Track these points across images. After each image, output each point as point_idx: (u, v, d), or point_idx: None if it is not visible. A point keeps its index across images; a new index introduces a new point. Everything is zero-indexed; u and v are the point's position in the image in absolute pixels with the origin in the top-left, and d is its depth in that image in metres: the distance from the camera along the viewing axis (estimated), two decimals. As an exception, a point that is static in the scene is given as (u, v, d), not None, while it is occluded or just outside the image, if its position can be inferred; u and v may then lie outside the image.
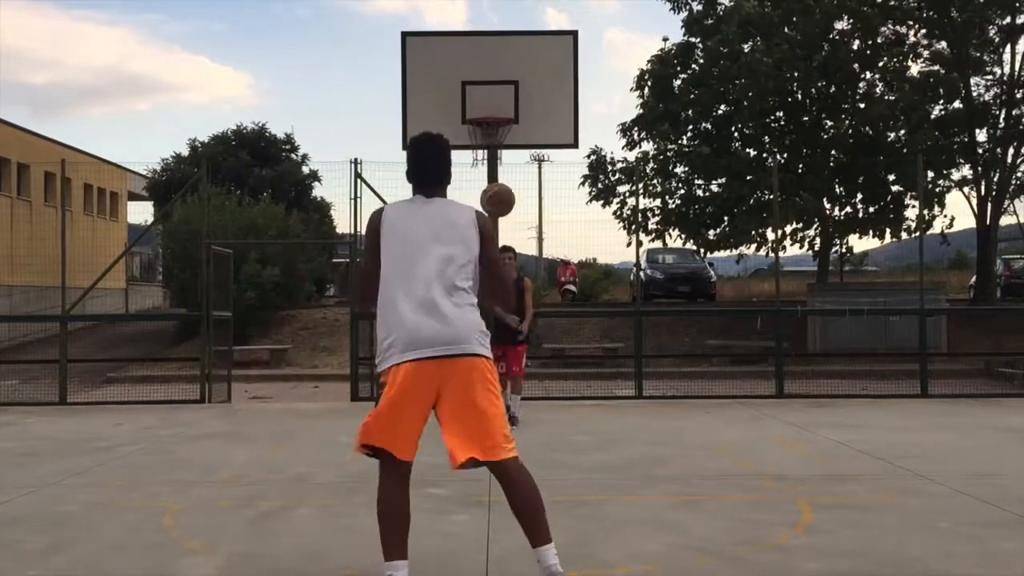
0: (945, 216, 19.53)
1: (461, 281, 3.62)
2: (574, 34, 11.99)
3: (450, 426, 3.57)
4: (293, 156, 29.32)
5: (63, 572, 4.13)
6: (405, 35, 11.82)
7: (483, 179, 11.66)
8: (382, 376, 3.64)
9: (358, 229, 12.01)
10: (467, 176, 11.99)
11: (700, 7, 20.03)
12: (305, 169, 29.08)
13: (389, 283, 3.61)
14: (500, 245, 10.48)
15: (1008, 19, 18.38)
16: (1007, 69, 18.90)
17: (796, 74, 18.40)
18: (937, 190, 18.77)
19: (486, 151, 11.52)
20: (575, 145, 11.77)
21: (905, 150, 18.20)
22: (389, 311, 3.59)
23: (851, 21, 18.52)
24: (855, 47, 18.84)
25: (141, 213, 41.37)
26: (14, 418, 10.00)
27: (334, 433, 8.63)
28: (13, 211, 23.20)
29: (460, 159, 12.36)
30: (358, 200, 11.79)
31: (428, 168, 3.80)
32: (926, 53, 19.46)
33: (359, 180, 11.77)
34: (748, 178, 18.31)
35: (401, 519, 3.67)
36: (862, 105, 19.19)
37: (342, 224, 26.46)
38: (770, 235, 19.12)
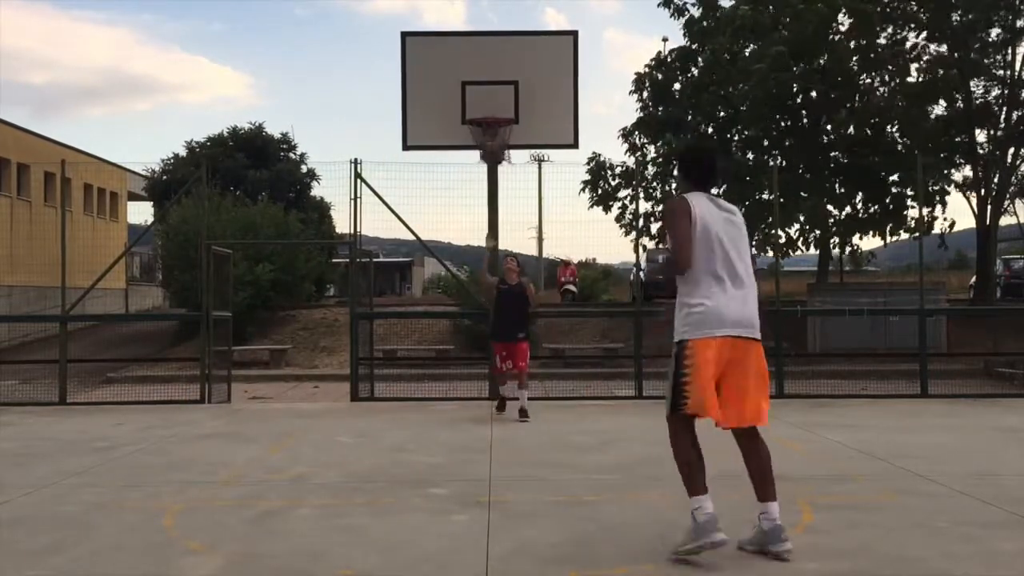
0: (946, 219, 19.53)
1: None
2: (574, 34, 11.99)
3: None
4: (292, 156, 29.32)
5: (63, 572, 4.13)
6: (405, 35, 11.84)
7: (483, 179, 11.68)
8: None
9: (358, 229, 12.01)
10: (467, 176, 12.01)
11: (699, 12, 20.04)
12: (303, 168, 29.07)
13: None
14: (506, 252, 10.62)
15: (1009, 20, 18.38)
16: (1008, 71, 18.92)
17: (795, 72, 18.40)
18: (936, 188, 18.72)
19: (484, 151, 11.52)
20: (575, 145, 11.78)
21: (903, 151, 18.21)
22: None
23: (850, 19, 18.51)
24: (854, 47, 18.83)
25: (141, 213, 41.36)
26: (14, 418, 9.99)
27: (334, 433, 8.63)
28: (13, 211, 23.20)
29: (460, 159, 12.42)
30: (358, 200, 11.78)
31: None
32: (927, 56, 19.46)
33: (359, 180, 11.76)
34: (747, 179, 18.31)
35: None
36: (862, 106, 19.18)
37: (342, 224, 26.42)
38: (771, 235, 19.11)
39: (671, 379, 4.24)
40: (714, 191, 4.48)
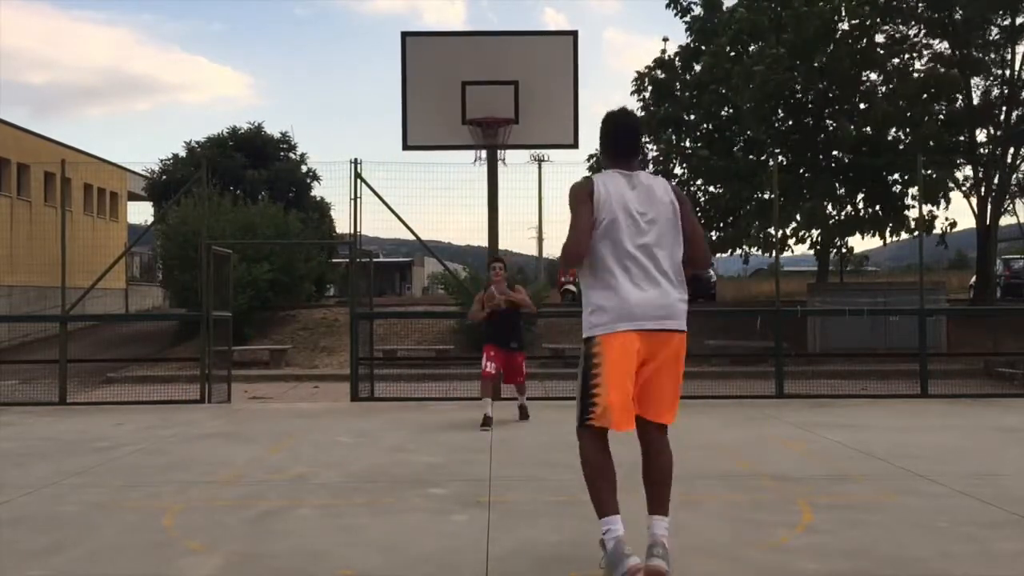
0: (947, 219, 19.52)
1: None
2: (574, 34, 11.99)
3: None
4: (291, 156, 29.33)
5: (63, 572, 4.13)
6: (405, 35, 11.82)
7: (483, 179, 11.68)
8: None
9: (358, 229, 12.02)
10: (467, 176, 12.01)
11: (703, 12, 20.07)
12: (303, 168, 29.09)
13: None
14: (491, 256, 10.43)
15: (1009, 19, 18.38)
16: (1008, 70, 18.92)
17: (796, 74, 18.41)
18: (940, 185, 18.69)
19: (486, 151, 11.52)
20: (575, 145, 11.77)
21: (904, 149, 18.20)
22: None
23: (851, 22, 18.53)
24: (858, 45, 18.83)
25: (141, 213, 41.39)
26: (14, 418, 9.99)
27: (334, 433, 8.63)
28: (13, 211, 23.20)
29: (460, 159, 12.43)
30: (358, 200, 11.79)
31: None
32: (927, 53, 19.46)
33: (359, 180, 11.76)
34: (750, 177, 18.31)
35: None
36: (863, 105, 19.18)
37: (342, 224, 26.45)
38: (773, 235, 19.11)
39: (579, 382, 3.78)
40: (649, 168, 4.19)
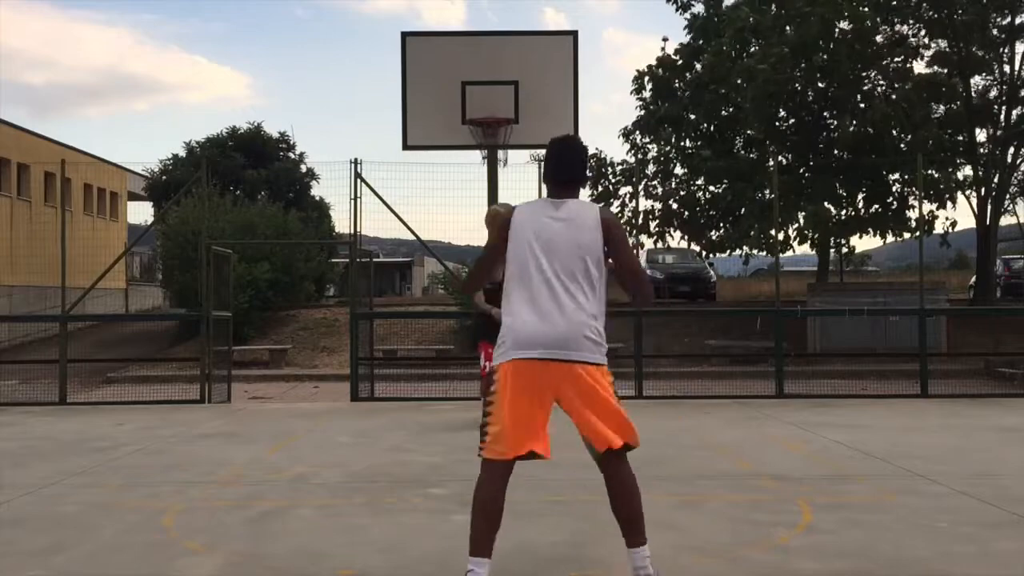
0: (948, 218, 19.51)
1: None
2: (574, 34, 11.99)
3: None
4: (291, 155, 29.33)
5: (63, 572, 4.13)
6: (405, 35, 11.82)
7: (483, 179, 11.68)
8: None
9: (358, 229, 12.02)
10: (467, 176, 12.01)
11: (703, 10, 20.08)
12: (303, 168, 29.09)
13: None
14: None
15: (1009, 19, 18.39)
16: (1007, 69, 18.92)
17: (797, 74, 18.42)
18: (942, 186, 18.67)
19: (486, 151, 11.53)
20: (575, 145, 11.76)
21: (906, 149, 18.20)
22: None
23: (850, 23, 18.53)
24: (856, 47, 18.84)
25: (141, 213, 41.37)
26: (14, 418, 9.99)
27: (334, 433, 8.63)
28: (13, 211, 23.20)
29: (460, 159, 12.43)
30: (358, 200, 11.79)
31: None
32: (927, 53, 19.47)
33: (359, 180, 11.76)
34: (751, 177, 18.32)
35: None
36: (863, 105, 19.18)
37: (342, 224, 26.45)
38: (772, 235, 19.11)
39: (482, 411, 3.71)
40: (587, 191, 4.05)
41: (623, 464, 3.78)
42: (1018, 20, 18.30)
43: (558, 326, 3.58)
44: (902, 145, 18.69)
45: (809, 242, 20.17)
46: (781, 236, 16.21)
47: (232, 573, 4.13)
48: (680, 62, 20.37)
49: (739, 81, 18.26)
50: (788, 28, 18.07)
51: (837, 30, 18.56)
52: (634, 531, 3.65)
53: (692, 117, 20.06)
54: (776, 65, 17.47)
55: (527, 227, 3.68)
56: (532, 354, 3.55)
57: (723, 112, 19.78)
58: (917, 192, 15.46)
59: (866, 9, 17.88)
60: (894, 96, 18.72)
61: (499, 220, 3.81)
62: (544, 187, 3.99)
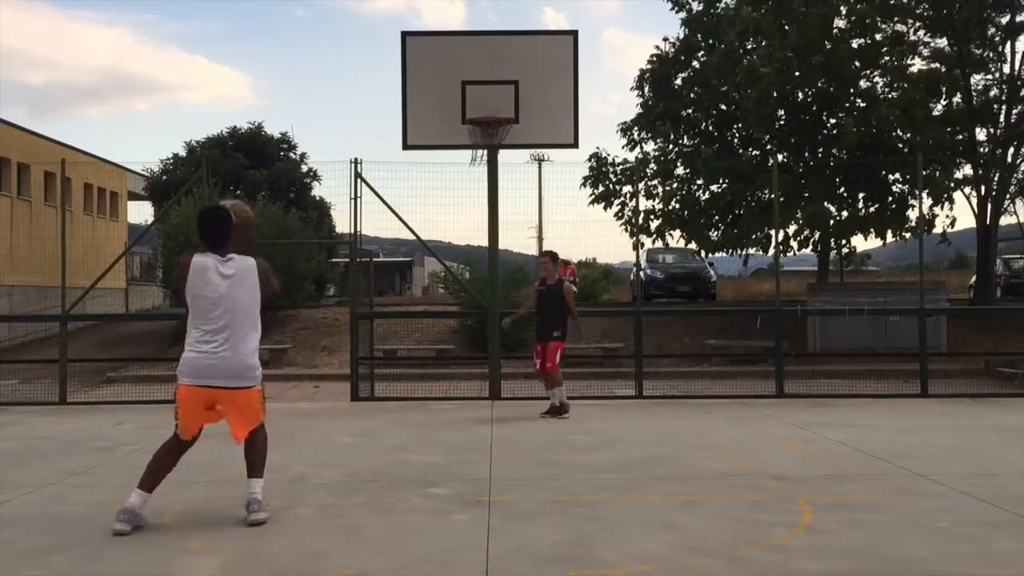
0: (948, 216, 19.50)
1: None
2: (574, 34, 11.98)
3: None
4: (291, 155, 29.32)
5: (63, 572, 4.13)
6: (405, 35, 11.81)
7: (483, 179, 11.68)
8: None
9: (359, 229, 12.02)
10: (467, 176, 12.00)
11: (700, 7, 20.10)
12: (303, 168, 29.08)
13: None
14: (545, 252, 10.90)
15: (1008, 17, 18.38)
16: (1007, 67, 18.91)
17: (797, 74, 18.40)
18: (942, 184, 18.63)
19: (486, 151, 11.52)
20: (575, 145, 11.77)
21: (907, 149, 18.19)
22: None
23: (849, 19, 18.51)
24: (855, 45, 18.82)
25: (141, 213, 41.34)
26: (14, 418, 10.00)
27: (334, 433, 8.64)
28: (13, 211, 23.19)
29: (460, 159, 12.40)
30: (358, 200, 11.79)
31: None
32: (926, 51, 19.45)
33: (359, 180, 11.76)
34: (752, 176, 18.30)
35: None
36: (863, 104, 19.17)
37: (342, 224, 26.45)
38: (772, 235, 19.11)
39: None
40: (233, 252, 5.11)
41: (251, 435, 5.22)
42: (1018, 19, 18.28)
43: (228, 363, 5.18)
44: (901, 145, 18.68)
45: (810, 244, 20.18)
46: (781, 236, 16.21)
47: (232, 573, 4.13)
48: (682, 58, 20.37)
49: (739, 81, 18.24)
50: (787, 28, 18.06)
51: (836, 29, 18.57)
52: (254, 469, 5.19)
53: (689, 113, 20.05)
54: (782, 69, 17.47)
55: (202, 282, 5.16)
56: (204, 382, 5.22)
57: (722, 108, 19.76)
58: (917, 192, 15.46)
59: (865, 5, 17.85)
60: (893, 95, 18.71)
61: (181, 268, 5.26)
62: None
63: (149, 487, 4.97)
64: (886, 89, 19.32)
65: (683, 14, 20.26)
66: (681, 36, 20.47)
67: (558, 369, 9.72)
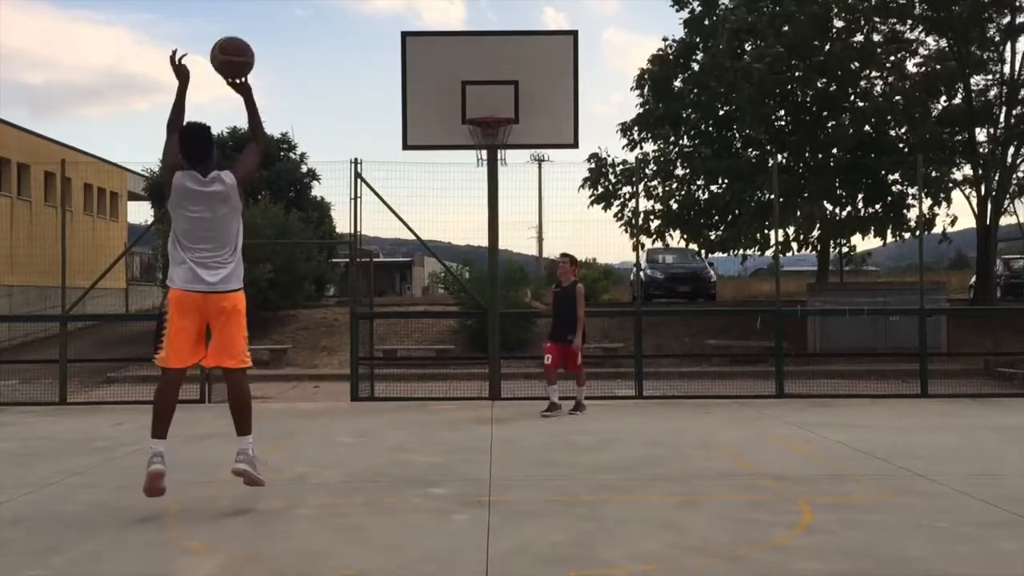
0: (948, 215, 19.50)
1: None
2: (574, 34, 11.97)
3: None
4: (291, 155, 29.29)
5: (63, 572, 4.13)
6: (405, 35, 11.81)
7: (483, 179, 11.68)
8: None
9: (359, 229, 12.01)
10: (467, 176, 12.00)
11: (700, 8, 20.11)
12: (303, 168, 29.04)
13: None
14: (562, 255, 11.00)
15: (1008, 18, 18.38)
16: (1007, 68, 18.91)
17: (796, 74, 18.40)
18: (942, 183, 18.61)
19: (486, 151, 11.52)
20: (575, 145, 11.76)
21: (906, 149, 18.19)
22: None
23: (846, 17, 18.51)
24: (853, 44, 18.81)
25: (141, 213, 41.29)
26: (14, 418, 9.99)
27: (334, 433, 8.63)
28: (13, 211, 23.19)
29: (460, 159, 12.42)
30: (358, 200, 11.78)
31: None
32: (924, 51, 19.46)
33: (359, 180, 11.76)
34: (751, 177, 18.30)
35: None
36: (862, 103, 19.17)
37: (342, 224, 26.43)
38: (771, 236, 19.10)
39: (156, 327, 5.23)
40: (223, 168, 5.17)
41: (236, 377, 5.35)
42: (1018, 20, 18.28)
43: (213, 271, 5.22)
44: (901, 144, 18.68)
45: (808, 244, 20.19)
46: (780, 236, 16.21)
47: (232, 573, 4.13)
48: (680, 60, 20.38)
49: (732, 80, 18.24)
50: (782, 28, 18.07)
51: (833, 28, 18.57)
52: (242, 423, 5.40)
53: (688, 114, 20.06)
54: (772, 64, 17.46)
55: (183, 196, 5.14)
56: (196, 287, 5.14)
57: (720, 109, 19.77)
58: (917, 192, 15.47)
59: (863, 4, 17.85)
60: (897, 98, 18.70)
61: (165, 183, 5.27)
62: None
63: (163, 433, 5.23)
64: (886, 89, 19.32)
65: (684, 14, 20.28)
66: (680, 37, 20.50)
67: (583, 370, 10.06)
